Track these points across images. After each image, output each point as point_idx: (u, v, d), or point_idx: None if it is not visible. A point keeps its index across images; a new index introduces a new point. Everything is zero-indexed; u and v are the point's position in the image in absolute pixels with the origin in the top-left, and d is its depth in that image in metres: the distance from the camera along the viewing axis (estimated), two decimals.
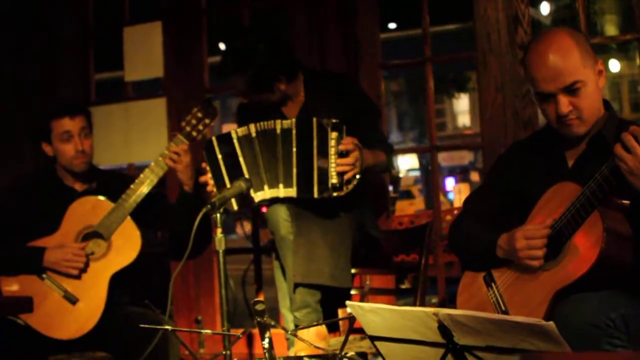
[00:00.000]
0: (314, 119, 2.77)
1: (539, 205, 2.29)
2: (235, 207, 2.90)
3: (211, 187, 2.95)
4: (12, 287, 2.99)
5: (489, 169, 2.70)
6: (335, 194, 2.75)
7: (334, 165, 2.75)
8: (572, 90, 2.20)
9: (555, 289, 2.14)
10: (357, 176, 2.79)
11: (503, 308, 2.30)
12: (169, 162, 3.05)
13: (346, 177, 2.75)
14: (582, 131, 2.26)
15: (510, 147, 2.63)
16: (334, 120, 2.76)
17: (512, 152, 2.55)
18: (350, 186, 2.78)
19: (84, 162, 3.14)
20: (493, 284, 2.35)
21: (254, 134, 2.89)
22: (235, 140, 2.91)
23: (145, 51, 4.19)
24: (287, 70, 2.99)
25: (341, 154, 2.75)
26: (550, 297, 2.15)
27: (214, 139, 2.95)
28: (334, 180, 2.74)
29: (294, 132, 2.81)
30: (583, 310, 1.99)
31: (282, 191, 2.84)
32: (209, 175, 2.95)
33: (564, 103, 2.21)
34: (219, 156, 2.93)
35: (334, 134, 2.75)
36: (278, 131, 2.84)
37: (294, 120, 2.83)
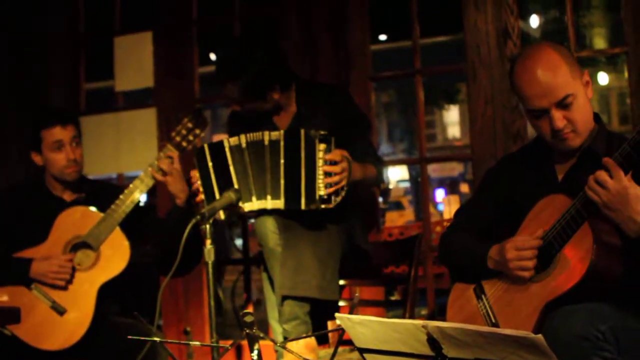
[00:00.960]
0: (302, 131, 2.77)
1: (529, 218, 2.29)
2: (223, 217, 2.90)
3: (200, 195, 2.94)
4: (1, 297, 2.97)
5: (479, 181, 2.70)
6: (323, 206, 2.74)
7: (322, 177, 2.74)
8: (564, 104, 2.20)
9: (545, 301, 2.14)
10: (345, 188, 2.78)
11: (493, 320, 2.30)
12: (157, 176, 3.04)
13: (334, 189, 2.75)
14: (578, 143, 2.26)
15: (501, 160, 2.63)
16: (322, 132, 2.75)
17: (502, 165, 2.56)
18: (338, 198, 2.77)
19: (75, 171, 3.13)
20: (483, 296, 2.35)
21: (244, 145, 2.88)
22: (227, 149, 2.90)
23: (135, 61, 4.19)
24: (282, 79, 2.99)
25: (329, 165, 2.75)
26: (540, 309, 2.15)
27: (206, 146, 2.94)
28: (321, 192, 2.74)
29: (281, 143, 2.81)
30: (572, 322, 1.99)
31: (269, 202, 2.83)
32: (199, 182, 2.94)
33: (559, 118, 2.21)
34: (210, 164, 2.91)
35: (321, 146, 2.75)
36: (266, 142, 2.84)
37: (282, 131, 2.83)
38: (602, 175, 2.03)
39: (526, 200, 2.31)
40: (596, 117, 2.33)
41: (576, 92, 2.21)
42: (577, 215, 2.11)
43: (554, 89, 2.20)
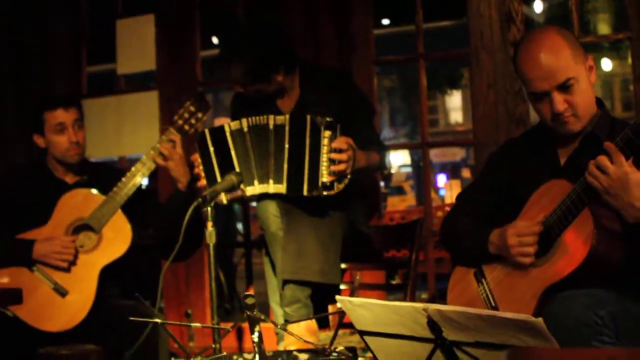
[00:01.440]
0: (308, 117, 2.76)
1: (530, 202, 2.29)
2: (225, 202, 2.90)
3: (202, 179, 2.94)
4: (3, 279, 2.98)
5: (481, 165, 2.70)
6: (325, 193, 2.74)
7: (326, 164, 2.73)
8: (565, 87, 2.20)
9: (545, 285, 2.15)
10: (349, 176, 2.78)
11: (493, 304, 2.31)
12: (159, 160, 3.04)
13: (337, 176, 2.74)
14: (578, 128, 2.26)
15: (503, 145, 2.63)
16: (328, 119, 2.75)
17: (505, 149, 2.56)
18: (341, 186, 2.77)
19: (77, 154, 3.13)
20: (483, 280, 2.36)
21: (245, 129, 2.88)
22: (227, 134, 2.90)
23: (138, 44, 4.18)
24: (286, 61, 2.97)
25: (335, 151, 2.74)
26: (540, 293, 2.16)
27: (206, 131, 2.94)
28: (324, 179, 2.73)
29: (287, 128, 2.80)
30: (571, 307, 2.00)
31: (271, 187, 2.83)
32: (201, 167, 2.94)
33: (559, 101, 2.21)
34: (211, 149, 2.91)
35: (327, 133, 2.74)
36: (271, 127, 2.83)
37: (287, 116, 2.82)
38: (603, 160, 2.03)
39: (528, 185, 2.31)
40: (599, 102, 2.33)
41: (578, 76, 2.21)
42: (578, 200, 2.12)
43: (556, 71, 2.19)
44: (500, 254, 2.29)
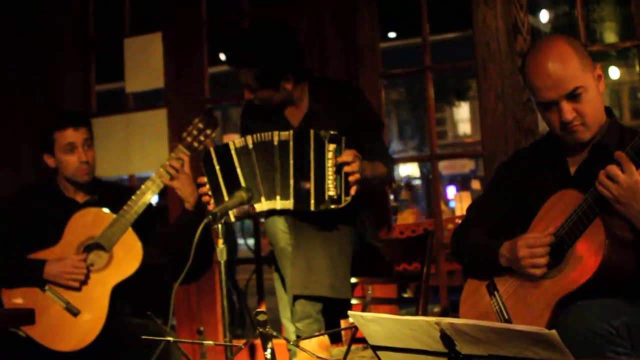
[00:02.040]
0: (312, 131, 2.76)
1: (541, 213, 2.28)
2: (233, 219, 2.90)
3: (208, 198, 2.93)
4: (16, 299, 2.99)
5: (491, 176, 2.69)
6: (332, 207, 2.73)
7: (332, 178, 2.73)
8: (574, 96, 2.20)
9: (558, 297, 2.14)
10: (356, 188, 2.77)
11: (506, 316, 2.29)
12: (165, 180, 3.04)
13: (344, 189, 2.73)
14: (587, 137, 2.25)
15: (512, 155, 2.62)
16: (332, 132, 2.74)
17: (515, 159, 2.55)
18: (348, 198, 2.76)
19: (87, 173, 3.14)
20: (496, 292, 2.35)
21: (251, 146, 2.88)
22: (233, 152, 2.90)
23: (145, 62, 4.20)
24: (296, 70, 2.98)
25: (340, 166, 2.74)
26: (553, 305, 2.14)
27: (211, 149, 2.94)
28: (331, 192, 2.73)
29: (291, 143, 2.80)
30: (585, 318, 1.99)
31: (279, 203, 2.83)
32: (207, 187, 2.94)
33: (568, 110, 2.20)
34: (217, 167, 2.91)
35: (331, 146, 2.74)
36: (275, 142, 2.83)
37: (291, 132, 2.82)
38: (614, 169, 2.02)
39: (538, 195, 2.30)
40: (608, 111, 2.32)
41: (586, 85, 2.20)
42: (589, 210, 2.10)
43: (564, 80, 2.19)
44: (512, 267, 2.28)
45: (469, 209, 2.62)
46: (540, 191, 2.31)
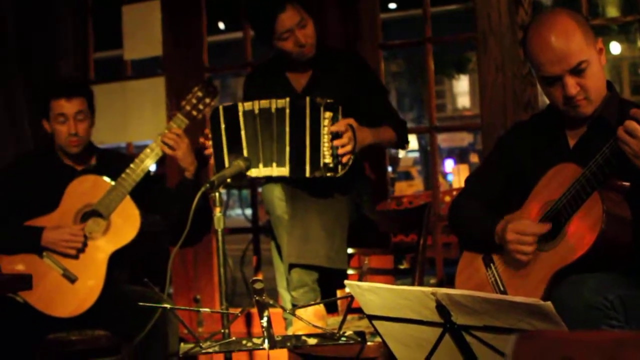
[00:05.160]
0: (307, 99, 2.77)
1: (539, 186, 2.29)
2: (229, 180, 2.90)
3: (209, 152, 2.93)
4: (13, 265, 3.00)
5: (490, 148, 2.69)
6: (328, 174, 2.74)
7: (327, 145, 2.73)
8: (578, 70, 2.18)
9: (553, 270, 2.15)
10: (352, 157, 2.78)
11: (501, 288, 2.31)
12: (166, 150, 3.04)
13: (339, 157, 2.74)
14: (590, 111, 2.24)
15: (512, 128, 2.62)
16: (328, 100, 2.75)
17: (513, 132, 2.55)
18: (346, 168, 2.77)
19: (76, 145, 3.11)
20: (492, 265, 2.36)
21: (257, 111, 2.87)
22: (240, 113, 2.88)
23: (144, 30, 4.17)
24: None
25: (335, 135, 2.74)
26: (548, 278, 2.15)
27: (220, 107, 2.92)
28: (326, 160, 2.73)
29: (287, 111, 2.80)
30: (580, 291, 2.00)
31: (275, 170, 2.83)
32: (210, 143, 2.93)
33: (572, 84, 2.19)
34: (222, 125, 2.89)
35: (327, 114, 2.74)
36: (273, 110, 2.83)
37: (287, 99, 2.82)
38: (632, 124, 1.99)
39: (537, 168, 2.30)
40: (609, 85, 2.31)
41: (590, 59, 2.19)
42: (587, 184, 2.11)
43: (568, 55, 2.17)
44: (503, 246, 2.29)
45: (466, 181, 2.62)
46: (538, 164, 2.31)
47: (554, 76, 2.21)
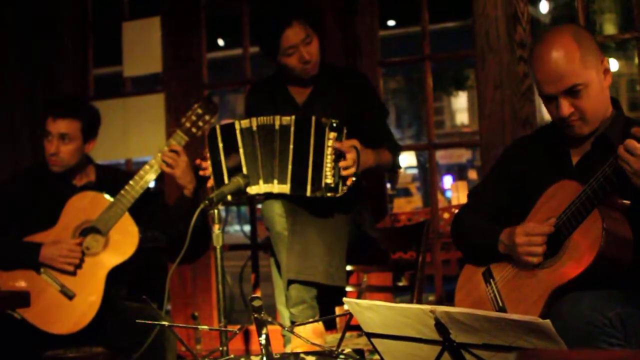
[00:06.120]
0: (313, 118, 2.77)
1: (540, 202, 2.29)
2: (229, 197, 2.90)
3: (210, 179, 2.93)
4: (11, 282, 2.99)
5: (489, 165, 2.69)
6: (329, 194, 2.74)
7: (330, 166, 2.73)
8: (573, 92, 2.19)
9: (553, 287, 2.14)
10: (353, 178, 2.78)
11: (500, 304, 2.30)
12: (164, 168, 3.05)
13: (341, 179, 2.74)
14: (586, 131, 2.25)
15: (514, 143, 2.62)
16: (333, 121, 2.75)
17: (517, 147, 2.54)
18: (345, 188, 2.77)
19: (57, 166, 3.11)
20: (492, 280, 2.36)
21: (255, 128, 2.87)
22: (237, 131, 2.89)
23: (144, 46, 4.18)
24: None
25: (338, 156, 2.74)
26: (547, 294, 2.15)
27: (217, 127, 2.93)
28: (328, 180, 2.73)
29: (292, 129, 2.81)
30: (580, 308, 1.99)
31: (276, 187, 2.83)
32: (209, 162, 2.93)
33: (565, 106, 2.20)
34: (220, 145, 2.90)
35: (332, 134, 2.74)
36: (277, 127, 2.84)
37: (293, 117, 2.82)
38: (632, 142, 2.00)
39: (538, 184, 2.30)
40: (615, 102, 2.31)
41: (587, 82, 2.19)
42: (588, 201, 2.11)
43: (562, 77, 2.19)
44: (509, 254, 2.29)
45: (469, 195, 2.62)
46: (540, 181, 2.31)
47: (549, 95, 2.23)
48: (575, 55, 2.19)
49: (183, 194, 3.09)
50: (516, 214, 2.36)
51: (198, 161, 2.99)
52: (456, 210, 2.64)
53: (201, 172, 2.97)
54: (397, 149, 3.11)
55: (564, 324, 1.92)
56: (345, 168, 2.73)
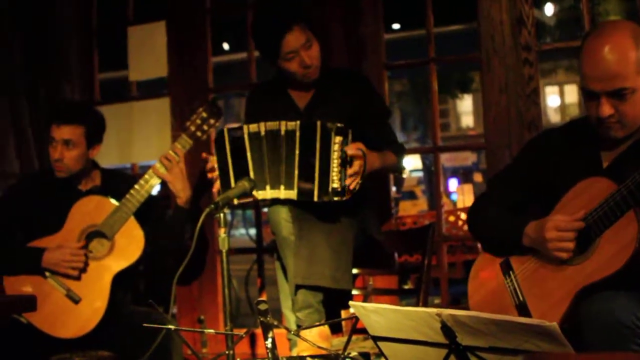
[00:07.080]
0: (318, 122, 2.75)
1: (567, 197, 2.23)
2: (235, 201, 2.89)
3: (216, 183, 2.92)
4: (17, 286, 2.99)
5: (517, 152, 2.63)
6: (336, 199, 2.73)
7: (336, 170, 2.73)
8: (619, 95, 2.10)
9: (580, 285, 2.10)
10: (360, 182, 2.77)
11: (521, 298, 2.26)
12: (158, 170, 3.04)
13: (348, 182, 2.74)
14: (621, 135, 2.18)
15: (543, 134, 2.53)
16: (338, 125, 2.74)
17: (545, 139, 2.46)
18: (353, 192, 2.76)
19: (62, 172, 3.11)
20: (511, 272, 2.31)
21: (262, 133, 2.86)
22: (245, 136, 2.87)
23: (149, 51, 4.19)
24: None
25: (344, 160, 2.74)
26: (574, 293, 2.11)
27: (225, 130, 2.91)
28: (334, 184, 2.72)
29: (297, 134, 2.80)
30: (611, 307, 1.95)
31: (282, 192, 2.83)
32: (216, 166, 2.92)
33: (606, 107, 2.12)
34: (228, 147, 2.88)
35: (337, 139, 2.73)
36: (282, 132, 2.83)
37: (298, 122, 2.82)
38: None
39: (565, 179, 2.23)
40: None
41: (636, 87, 2.09)
42: (623, 201, 2.06)
43: (612, 78, 2.09)
44: (535, 247, 2.23)
45: (489, 183, 2.56)
46: (567, 177, 2.24)
47: (593, 92, 2.14)
48: (630, 57, 2.08)
49: (176, 203, 3.08)
50: (538, 207, 2.30)
51: (211, 158, 2.96)
52: (461, 214, 2.62)
53: (209, 175, 2.96)
54: (401, 151, 3.11)
55: (595, 323, 1.89)
56: (353, 174, 2.73)
